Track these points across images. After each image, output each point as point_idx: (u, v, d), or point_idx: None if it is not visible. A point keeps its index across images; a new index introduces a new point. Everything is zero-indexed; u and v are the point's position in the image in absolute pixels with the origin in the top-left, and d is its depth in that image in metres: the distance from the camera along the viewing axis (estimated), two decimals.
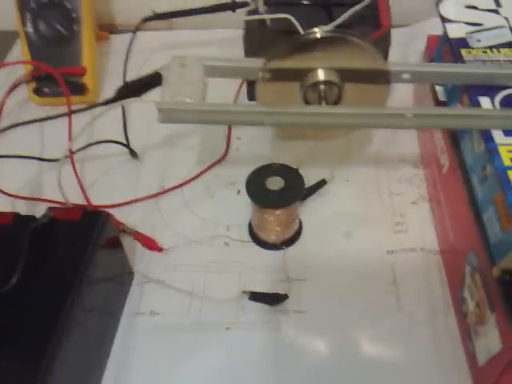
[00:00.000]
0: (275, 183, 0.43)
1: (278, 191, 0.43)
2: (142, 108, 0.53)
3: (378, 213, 0.48)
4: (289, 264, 0.44)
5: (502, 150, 0.36)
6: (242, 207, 0.47)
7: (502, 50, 0.42)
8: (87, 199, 0.50)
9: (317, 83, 0.42)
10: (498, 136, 0.37)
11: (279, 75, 0.43)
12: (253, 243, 0.47)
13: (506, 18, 0.45)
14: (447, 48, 0.45)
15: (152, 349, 0.40)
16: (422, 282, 0.43)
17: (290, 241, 0.46)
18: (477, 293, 0.36)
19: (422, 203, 0.48)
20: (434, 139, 0.47)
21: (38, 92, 0.60)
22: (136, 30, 0.60)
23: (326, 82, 0.42)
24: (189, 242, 0.47)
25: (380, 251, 0.45)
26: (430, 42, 0.50)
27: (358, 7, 0.50)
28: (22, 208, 0.50)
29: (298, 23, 0.49)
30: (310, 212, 0.48)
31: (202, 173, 0.52)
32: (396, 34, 0.47)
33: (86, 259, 0.36)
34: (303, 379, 0.39)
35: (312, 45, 0.41)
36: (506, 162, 0.35)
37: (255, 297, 0.42)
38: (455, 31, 0.44)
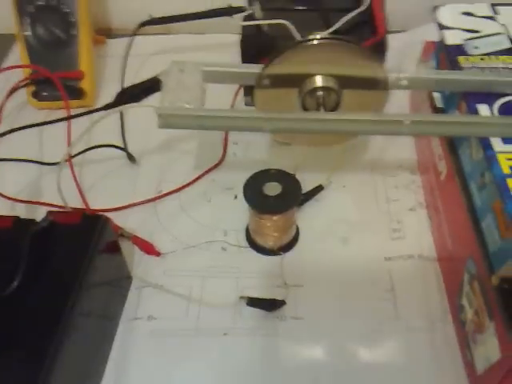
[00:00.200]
0: (272, 189, 0.43)
1: (275, 197, 0.43)
2: (139, 113, 0.53)
3: (375, 219, 0.48)
4: (286, 270, 0.44)
5: (501, 158, 0.36)
6: (239, 212, 0.47)
7: (499, 56, 0.42)
8: (86, 203, 0.50)
9: (315, 89, 0.42)
10: (496, 143, 0.37)
11: (277, 81, 0.43)
12: (250, 248, 0.47)
13: (504, 25, 0.45)
14: (444, 55, 0.45)
15: (150, 353, 0.40)
16: (420, 289, 0.43)
17: (287, 246, 0.46)
18: (475, 301, 0.36)
19: (419, 210, 0.48)
20: (431, 146, 0.47)
21: (36, 96, 0.60)
22: (133, 34, 0.60)
23: (324, 88, 0.42)
24: (186, 246, 0.47)
25: (377, 258, 0.45)
26: (426, 47, 0.50)
27: (354, 13, 0.50)
28: (22, 211, 0.50)
29: (294, 29, 0.49)
30: (307, 218, 0.48)
31: (199, 177, 0.52)
32: (392, 40, 0.48)
33: (85, 263, 0.36)
34: None
35: (309, 50, 0.41)
36: (505, 170, 0.35)
37: (253, 302, 0.42)
38: (452, 38, 0.44)
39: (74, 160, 0.52)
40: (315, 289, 0.43)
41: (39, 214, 0.39)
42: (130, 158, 0.54)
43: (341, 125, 0.40)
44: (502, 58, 0.42)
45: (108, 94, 0.45)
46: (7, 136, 0.54)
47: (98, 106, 0.49)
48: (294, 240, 0.47)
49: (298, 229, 0.47)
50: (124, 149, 0.55)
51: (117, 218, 0.47)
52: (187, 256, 0.46)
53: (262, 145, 0.54)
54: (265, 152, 0.54)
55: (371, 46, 0.48)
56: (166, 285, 0.44)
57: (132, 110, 0.56)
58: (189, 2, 0.59)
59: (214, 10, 0.57)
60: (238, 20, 0.54)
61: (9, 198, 0.50)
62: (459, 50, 0.43)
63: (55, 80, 0.56)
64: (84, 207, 0.49)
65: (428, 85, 0.44)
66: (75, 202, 0.49)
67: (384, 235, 0.47)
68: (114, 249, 0.42)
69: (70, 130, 0.52)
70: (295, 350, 0.40)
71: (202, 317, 0.42)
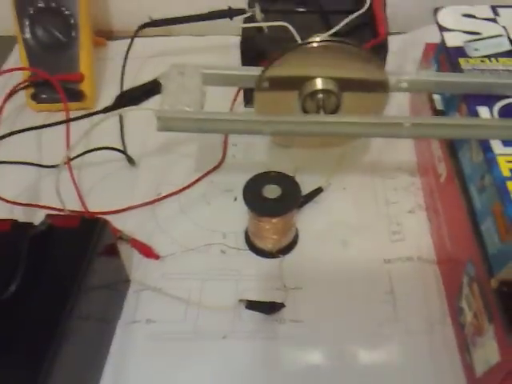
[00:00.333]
0: (272, 191, 0.43)
1: (274, 199, 0.43)
2: (139, 115, 0.53)
3: (375, 221, 0.48)
4: (285, 272, 0.44)
5: (501, 161, 0.36)
6: (239, 214, 0.47)
7: (500, 59, 0.42)
8: (84, 206, 0.50)
9: (315, 92, 0.42)
10: (496, 146, 0.37)
11: (277, 84, 0.43)
12: (249, 251, 0.46)
13: (504, 27, 0.45)
14: (444, 57, 0.45)
15: (148, 357, 0.40)
16: (419, 292, 0.43)
17: (287, 249, 0.46)
18: (475, 303, 0.36)
19: (418, 212, 0.48)
20: (431, 148, 0.47)
21: (35, 98, 0.59)
22: (133, 36, 0.60)
23: (324, 91, 0.42)
24: (185, 249, 0.47)
25: (377, 260, 0.45)
26: (427, 49, 0.50)
27: (354, 15, 0.50)
28: (20, 214, 0.49)
29: (295, 31, 0.49)
30: (307, 220, 0.48)
31: (198, 180, 0.52)
32: (393, 42, 0.48)
33: (83, 267, 0.36)
34: None
35: (310, 53, 0.41)
36: (505, 173, 0.35)
37: (252, 305, 0.42)
38: (453, 40, 0.44)
39: (73, 163, 0.52)
40: (315, 291, 0.43)
41: (38, 217, 0.39)
42: (130, 160, 0.54)
43: (341, 127, 0.40)
44: (502, 60, 0.42)
45: (108, 97, 0.45)
46: (6, 139, 0.54)
47: (98, 108, 0.49)
48: (294, 242, 0.47)
49: (297, 231, 0.47)
50: (123, 151, 0.55)
51: (116, 221, 0.47)
52: (186, 259, 0.46)
53: (262, 147, 0.54)
54: (264, 154, 0.54)
55: (372, 48, 0.47)
56: (165, 288, 0.44)
57: (131, 113, 0.56)
58: (189, 3, 0.59)
59: (214, 11, 0.57)
60: (238, 22, 0.54)
61: (7, 201, 0.50)
62: (459, 51, 0.43)
63: (54, 82, 0.56)
64: (83, 210, 0.49)
65: (428, 87, 0.43)
66: (74, 205, 0.48)
67: (383, 237, 0.47)
68: (113, 252, 0.42)
69: (69, 133, 0.52)
70: (294, 353, 0.40)
71: (201, 320, 0.42)
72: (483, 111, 0.39)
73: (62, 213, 0.45)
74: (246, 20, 0.53)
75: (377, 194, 0.50)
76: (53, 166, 0.53)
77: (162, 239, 0.47)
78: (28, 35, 0.59)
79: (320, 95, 0.42)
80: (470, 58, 0.43)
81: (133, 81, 0.48)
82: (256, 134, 0.43)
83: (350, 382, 0.39)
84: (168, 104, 0.40)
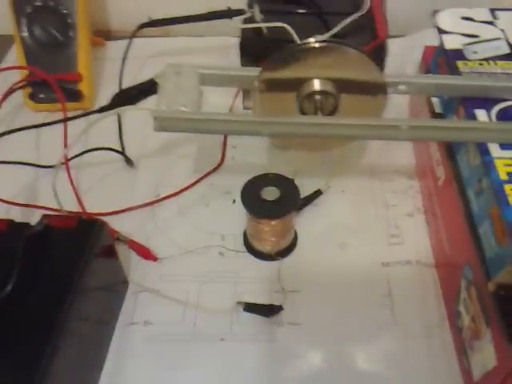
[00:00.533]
0: (270, 193, 0.43)
1: (273, 201, 0.43)
2: (137, 115, 0.53)
3: (373, 224, 0.48)
4: (284, 275, 0.44)
5: (499, 164, 0.36)
6: (237, 216, 0.47)
7: (498, 62, 0.42)
8: (82, 207, 0.50)
9: (313, 93, 0.42)
10: (494, 149, 0.37)
11: (275, 85, 0.43)
12: (248, 253, 0.46)
13: (503, 30, 0.45)
14: (443, 59, 0.45)
15: (146, 358, 0.40)
16: (418, 295, 0.43)
17: (285, 251, 0.46)
18: (472, 307, 0.36)
19: (417, 215, 0.48)
20: (429, 151, 0.47)
21: (33, 98, 0.59)
22: (132, 36, 0.60)
23: (322, 93, 0.42)
24: (184, 251, 0.46)
25: (375, 263, 0.45)
26: (426, 52, 0.50)
27: (354, 17, 0.50)
28: (17, 215, 0.49)
29: (294, 32, 0.49)
30: (306, 223, 0.48)
31: (197, 181, 0.52)
32: (392, 45, 0.48)
33: (80, 268, 0.36)
34: None
35: (308, 54, 0.41)
36: (503, 176, 0.35)
37: (250, 308, 0.42)
38: (451, 43, 0.44)
39: (70, 163, 0.51)
40: (313, 294, 0.43)
41: (35, 217, 0.39)
42: (128, 161, 0.54)
43: (338, 129, 0.40)
44: (500, 63, 0.42)
45: (106, 97, 0.45)
46: (3, 138, 0.54)
47: (96, 108, 0.49)
48: (292, 245, 0.47)
49: (296, 234, 0.47)
50: (121, 152, 0.54)
51: (113, 222, 0.47)
52: (184, 261, 0.46)
53: (261, 149, 0.54)
54: (264, 156, 0.54)
55: (371, 50, 0.47)
56: (163, 290, 0.44)
57: (130, 113, 0.56)
58: (188, 4, 0.59)
59: (213, 12, 0.57)
60: (237, 23, 0.54)
61: (4, 201, 0.50)
62: (458, 54, 0.43)
63: (52, 82, 0.56)
64: (80, 211, 0.49)
65: (426, 89, 0.43)
66: (71, 206, 0.48)
67: (382, 241, 0.47)
68: (110, 253, 0.42)
69: (67, 132, 0.52)
70: (292, 356, 0.40)
71: (199, 322, 0.42)
72: (481, 114, 0.39)
73: (59, 213, 0.45)
74: (245, 21, 0.53)
75: (375, 197, 0.50)
76: (50, 167, 0.53)
77: (160, 241, 0.47)
78: (25, 34, 0.59)
79: (318, 97, 0.42)
80: (469, 60, 0.43)
81: (131, 81, 0.47)
82: (253, 135, 0.43)
83: None
84: (164, 104, 0.40)
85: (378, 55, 0.49)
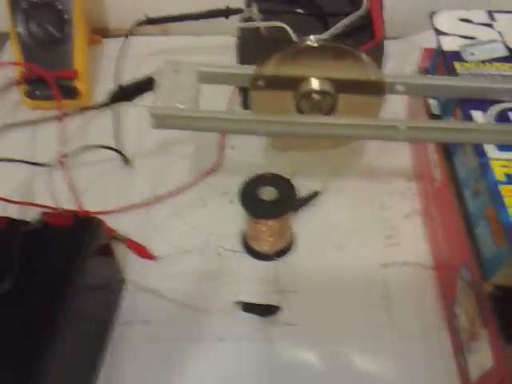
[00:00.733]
0: (268, 193, 0.43)
1: (270, 201, 0.43)
2: (134, 113, 0.53)
3: (371, 226, 0.48)
4: (281, 275, 0.44)
5: (495, 165, 0.36)
6: (235, 217, 0.47)
7: (495, 64, 0.43)
8: (79, 205, 0.49)
9: (310, 92, 0.42)
10: (490, 150, 0.37)
11: (273, 83, 0.42)
12: (245, 253, 0.46)
13: (500, 32, 0.45)
14: (441, 60, 0.45)
15: (143, 358, 0.40)
16: (415, 297, 0.43)
17: (283, 252, 0.46)
18: (469, 308, 0.36)
19: (414, 217, 0.48)
20: (427, 153, 0.47)
21: (29, 95, 0.59)
22: (129, 34, 0.59)
23: (319, 92, 0.42)
24: (181, 251, 0.46)
25: (372, 264, 0.45)
26: (424, 54, 0.50)
27: (351, 17, 0.50)
28: (14, 212, 0.49)
29: (292, 32, 0.49)
30: (303, 223, 0.48)
31: (195, 181, 0.52)
32: (390, 47, 0.48)
33: (76, 266, 0.36)
34: None
35: (306, 53, 0.41)
36: (499, 177, 0.35)
37: (247, 308, 0.42)
38: (449, 44, 0.44)
39: (67, 161, 0.51)
40: (310, 295, 0.43)
41: (31, 215, 0.38)
42: (125, 159, 0.54)
43: (336, 129, 0.40)
44: (497, 65, 0.43)
45: (103, 95, 0.45)
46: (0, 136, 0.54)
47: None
48: (290, 245, 0.47)
49: (293, 234, 0.47)
50: (118, 151, 0.54)
51: (110, 221, 0.46)
52: (182, 260, 0.46)
53: (259, 149, 0.54)
54: (261, 157, 0.54)
55: (368, 50, 0.47)
56: (160, 289, 0.44)
57: (127, 110, 0.56)
58: (186, 2, 0.59)
59: (211, 11, 0.57)
60: (235, 22, 0.53)
61: (0, 199, 0.49)
62: (455, 56, 0.43)
63: (48, 79, 0.55)
64: (77, 209, 0.49)
65: (424, 90, 0.43)
66: (68, 204, 0.48)
67: (379, 242, 0.47)
68: (107, 252, 0.42)
69: (63, 129, 0.52)
70: (289, 356, 0.40)
71: (196, 322, 0.42)
72: (477, 116, 0.39)
73: (56, 212, 0.45)
74: (243, 20, 0.53)
75: (373, 199, 0.50)
76: (47, 165, 0.52)
77: (157, 240, 0.47)
78: (21, 30, 0.59)
79: (315, 96, 0.42)
80: (466, 62, 0.43)
81: (128, 79, 0.47)
82: (250, 134, 0.43)
83: None
84: (161, 101, 0.39)
85: (375, 55, 0.49)
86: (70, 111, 0.53)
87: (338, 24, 0.49)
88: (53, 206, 0.46)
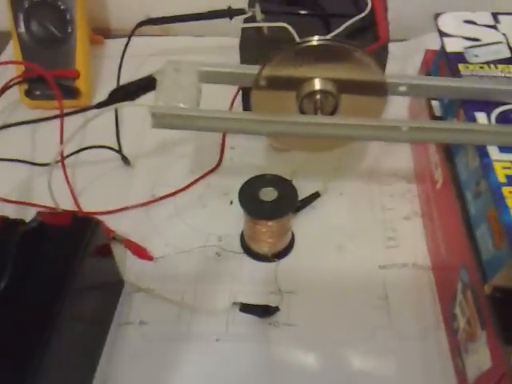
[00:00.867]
0: (268, 194, 0.43)
1: (270, 202, 0.42)
2: (135, 113, 0.53)
3: (371, 227, 0.48)
4: (280, 276, 0.44)
5: (497, 166, 0.36)
6: (235, 218, 0.47)
7: (499, 65, 0.42)
8: (77, 205, 0.49)
9: (313, 93, 0.42)
10: (493, 152, 0.37)
11: (275, 83, 0.42)
12: (244, 254, 0.46)
13: (504, 34, 0.45)
14: (444, 62, 0.45)
15: (141, 358, 0.40)
16: (413, 298, 0.43)
17: (282, 253, 0.46)
18: (468, 310, 0.36)
19: (414, 219, 0.48)
20: (428, 154, 0.47)
21: (29, 94, 0.59)
22: (131, 34, 0.59)
23: (322, 92, 0.42)
24: (180, 251, 0.46)
25: (372, 266, 0.45)
26: (427, 56, 0.50)
27: (355, 19, 0.50)
28: (12, 212, 0.49)
29: (295, 32, 0.48)
30: (303, 224, 0.48)
31: (194, 182, 0.52)
32: (394, 48, 0.47)
33: (74, 266, 0.36)
34: None
35: (309, 53, 0.41)
36: (501, 179, 0.35)
37: (246, 308, 0.42)
38: (453, 45, 0.44)
39: (66, 161, 0.51)
40: (309, 296, 0.43)
41: (29, 215, 0.38)
42: (125, 160, 0.53)
43: (338, 129, 0.40)
44: (500, 66, 0.42)
45: (104, 95, 0.44)
46: None
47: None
48: (289, 247, 0.46)
49: (293, 235, 0.47)
50: (118, 151, 0.54)
51: (109, 221, 0.46)
52: (181, 261, 0.46)
53: (260, 150, 0.54)
54: (262, 157, 0.54)
55: (372, 51, 0.47)
56: (159, 289, 0.43)
57: (127, 110, 0.55)
58: (188, 2, 0.59)
59: (213, 11, 0.57)
60: (237, 23, 0.53)
61: None
62: (459, 57, 0.43)
63: (49, 78, 0.55)
64: (76, 209, 0.49)
65: (427, 91, 0.43)
66: (67, 204, 0.48)
67: (379, 243, 0.47)
68: (106, 252, 0.42)
69: (63, 129, 0.52)
70: (287, 357, 0.40)
71: (194, 322, 0.42)
72: (481, 117, 0.39)
73: (54, 211, 0.45)
74: (246, 20, 0.53)
75: (373, 200, 0.50)
76: (46, 164, 0.52)
77: (156, 241, 0.47)
78: (22, 30, 0.59)
79: (318, 96, 0.42)
80: (470, 63, 0.43)
81: (130, 79, 0.47)
82: (252, 134, 0.42)
83: None
84: (162, 100, 0.39)
85: (379, 57, 0.48)
86: (70, 111, 0.53)
87: (342, 25, 0.49)
88: (51, 205, 0.45)
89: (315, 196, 0.49)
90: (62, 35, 0.59)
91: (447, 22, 0.46)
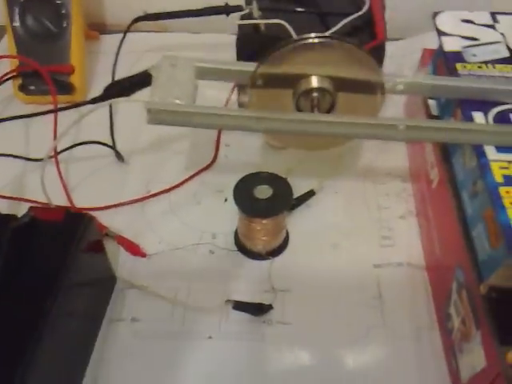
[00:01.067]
0: (263, 192, 0.42)
1: (265, 200, 0.42)
2: (130, 109, 0.52)
3: (366, 226, 0.48)
4: (274, 274, 0.44)
5: (495, 166, 0.36)
6: (229, 215, 0.47)
7: (497, 65, 0.42)
8: (70, 201, 0.49)
9: (310, 90, 0.42)
10: (490, 152, 0.37)
11: (271, 81, 0.42)
12: (238, 252, 0.46)
13: (503, 34, 0.45)
14: (442, 61, 0.45)
15: (132, 356, 0.40)
16: (408, 297, 0.43)
17: (276, 251, 0.46)
18: (463, 309, 0.36)
19: (409, 218, 0.48)
20: (424, 153, 0.47)
21: (23, 89, 0.58)
22: (127, 30, 0.59)
23: (319, 90, 0.42)
24: (174, 248, 0.46)
25: (366, 265, 0.45)
26: (424, 55, 0.50)
27: (353, 17, 0.49)
28: (4, 207, 0.48)
29: (292, 30, 0.48)
30: (298, 223, 0.47)
31: (189, 179, 0.51)
32: (391, 47, 0.47)
33: (66, 262, 0.35)
34: None
35: (307, 50, 0.40)
36: (498, 179, 0.35)
37: (239, 306, 0.42)
38: (451, 45, 0.44)
39: (60, 156, 0.51)
40: (303, 294, 0.43)
41: (22, 210, 0.38)
42: (118, 156, 0.53)
43: (334, 127, 0.39)
44: (498, 66, 0.42)
45: (99, 91, 0.44)
46: None
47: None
48: (284, 245, 0.46)
49: (287, 233, 0.47)
50: (112, 147, 0.53)
51: (103, 217, 0.46)
52: (174, 258, 0.45)
53: (255, 148, 0.54)
54: (257, 155, 0.53)
55: (370, 50, 0.47)
56: (152, 286, 0.43)
57: (122, 106, 0.55)
58: None
59: (210, 7, 0.57)
60: (234, 19, 0.53)
61: None
62: (457, 56, 0.43)
63: (43, 73, 0.55)
64: (69, 205, 0.48)
65: (424, 90, 0.43)
66: (60, 200, 0.48)
67: (374, 242, 0.46)
68: (98, 248, 0.41)
69: (57, 124, 0.51)
70: (281, 355, 0.40)
71: (187, 320, 0.41)
72: (478, 117, 0.39)
73: (46, 207, 0.44)
74: (243, 17, 0.52)
75: (368, 199, 0.50)
76: (39, 160, 0.52)
77: (150, 237, 0.47)
78: (17, 24, 0.58)
79: (315, 94, 0.42)
80: (468, 63, 0.43)
81: (125, 75, 0.47)
82: (248, 131, 0.42)
83: None
84: (158, 96, 0.39)
85: (377, 56, 0.48)
86: (65, 106, 0.52)
87: (339, 23, 0.49)
88: (44, 201, 0.45)
89: (310, 194, 0.49)
90: (57, 30, 0.58)
91: (445, 21, 0.46)
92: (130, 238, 0.46)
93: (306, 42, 0.40)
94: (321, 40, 0.40)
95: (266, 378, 0.39)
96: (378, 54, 0.49)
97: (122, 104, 0.54)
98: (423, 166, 0.47)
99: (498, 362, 0.31)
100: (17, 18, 0.58)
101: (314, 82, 0.41)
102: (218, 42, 0.63)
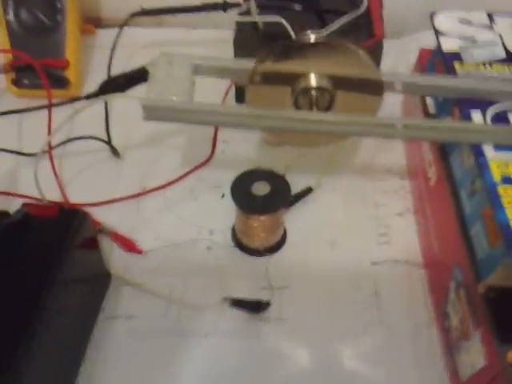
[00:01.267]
0: (261, 188, 0.42)
1: (263, 197, 0.42)
2: (125, 104, 0.51)
3: (363, 223, 0.48)
4: (272, 271, 0.44)
5: (493, 165, 0.36)
6: (226, 211, 0.46)
7: (494, 65, 0.42)
8: (64, 196, 0.48)
9: (308, 89, 0.42)
10: (488, 151, 0.37)
11: (270, 78, 0.42)
12: (236, 248, 0.46)
13: (500, 35, 0.45)
14: (440, 60, 0.45)
15: (128, 353, 0.39)
16: (405, 295, 0.43)
17: (274, 248, 0.45)
18: (461, 309, 0.36)
19: (407, 215, 0.48)
20: (421, 152, 0.47)
21: (16, 83, 0.57)
22: (123, 25, 0.58)
23: (317, 88, 0.42)
24: (170, 244, 0.46)
25: (363, 262, 0.45)
26: (421, 55, 0.50)
27: (351, 15, 0.49)
28: None
29: (290, 27, 0.48)
30: (295, 219, 0.47)
31: (185, 174, 0.51)
32: (388, 46, 0.47)
33: (60, 258, 0.35)
34: None
35: (305, 49, 0.40)
36: (496, 178, 0.35)
37: (236, 304, 0.41)
38: (449, 44, 0.44)
39: (54, 151, 0.50)
40: (300, 291, 0.43)
41: (15, 206, 0.37)
42: (114, 151, 0.52)
43: (332, 125, 0.39)
44: (496, 66, 0.43)
45: (93, 86, 0.43)
46: None
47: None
48: (281, 241, 0.46)
49: (285, 230, 0.47)
50: (107, 142, 0.53)
51: (97, 214, 0.46)
52: (170, 254, 0.45)
53: (252, 144, 0.54)
54: (255, 151, 0.53)
55: (367, 48, 0.47)
56: (147, 283, 0.43)
57: (118, 101, 0.54)
58: None
59: (208, 3, 0.56)
60: (232, 15, 0.53)
61: None
62: (455, 56, 0.43)
63: (37, 67, 0.54)
64: (62, 201, 0.48)
65: (422, 89, 0.43)
66: (54, 196, 0.47)
67: (371, 239, 0.46)
68: (92, 245, 0.41)
69: (51, 119, 0.50)
70: (278, 352, 0.40)
71: (184, 317, 0.41)
72: (476, 116, 0.39)
73: (40, 203, 0.44)
74: (241, 14, 0.52)
75: (366, 196, 0.50)
76: (32, 154, 0.51)
77: (145, 234, 0.46)
78: (11, 17, 0.57)
79: (313, 92, 0.42)
80: (465, 63, 0.43)
81: (121, 70, 0.46)
82: (245, 128, 0.42)
83: (333, 383, 0.38)
84: (154, 93, 0.39)
85: (374, 54, 0.48)
86: (59, 101, 0.52)
87: (337, 21, 0.49)
88: (38, 197, 0.44)
89: (308, 191, 0.49)
90: (51, 24, 0.58)
91: (443, 21, 0.46)
92: (125, 235, 0.46)
93: (305, 41, 0.40)
94: (321, 40, 0.40)
95: (264, 376, 0.39)
96: (376, 53, 0.49)
97: (117, 100, 0.53)
98: (421, 163, 0.47)
99: (498, 361, 0.31)
100: (11, 11, 0.57)
101: (313, 80, 0.41)
102: (214, 37, 0.63)
